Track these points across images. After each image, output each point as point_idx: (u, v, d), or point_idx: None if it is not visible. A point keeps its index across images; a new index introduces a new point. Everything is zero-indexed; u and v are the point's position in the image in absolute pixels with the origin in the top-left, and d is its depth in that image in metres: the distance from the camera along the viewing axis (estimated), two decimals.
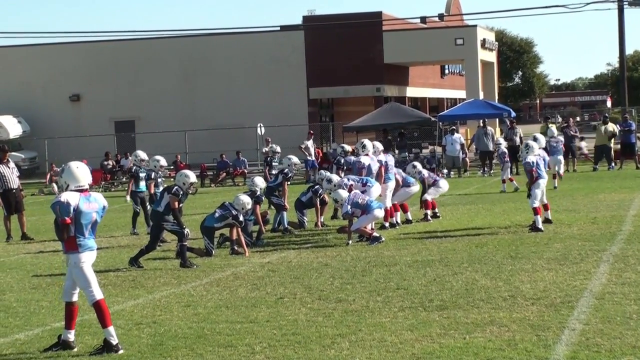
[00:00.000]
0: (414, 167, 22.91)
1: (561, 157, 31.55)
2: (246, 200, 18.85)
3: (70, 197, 10.60)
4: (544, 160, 20.24)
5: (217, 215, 18.71)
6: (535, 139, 20.76)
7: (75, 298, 10.85)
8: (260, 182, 20.09)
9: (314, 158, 43.84)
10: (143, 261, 17.42)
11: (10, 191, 23.86)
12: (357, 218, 19.09)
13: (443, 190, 22.97)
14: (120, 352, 10.47)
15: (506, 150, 32.00)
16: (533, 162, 19.75)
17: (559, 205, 23.66)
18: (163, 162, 22.32)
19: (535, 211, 19.39)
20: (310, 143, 44.08)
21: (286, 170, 22.33)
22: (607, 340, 9.93)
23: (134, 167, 23.01)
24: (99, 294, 10.68)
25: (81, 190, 10.72)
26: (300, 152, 41.78)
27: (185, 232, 17.31)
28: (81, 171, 10.82)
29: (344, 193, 19.30)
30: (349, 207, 19.01)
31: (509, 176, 30.88)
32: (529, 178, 19.86)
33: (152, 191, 22.03)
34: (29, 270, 17.78)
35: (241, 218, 18.62)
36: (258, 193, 19.67)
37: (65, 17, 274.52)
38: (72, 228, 10.58)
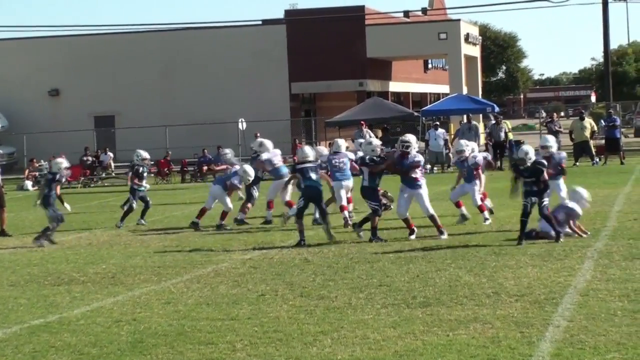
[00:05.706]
0: None
1: None
2: None
3: None
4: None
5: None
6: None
7: None
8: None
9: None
10: (134, 258, 17.34)
11: None
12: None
13: None
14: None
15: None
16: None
17: None
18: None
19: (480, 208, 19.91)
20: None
21: None
22: (592, 337, 9.87)
23: (136, 166, 24.02)
24: None
25: None
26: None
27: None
28: None
29: None
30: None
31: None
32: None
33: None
34: (6, 267, 17.57)
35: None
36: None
37: (45, 11, 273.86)
38: None
